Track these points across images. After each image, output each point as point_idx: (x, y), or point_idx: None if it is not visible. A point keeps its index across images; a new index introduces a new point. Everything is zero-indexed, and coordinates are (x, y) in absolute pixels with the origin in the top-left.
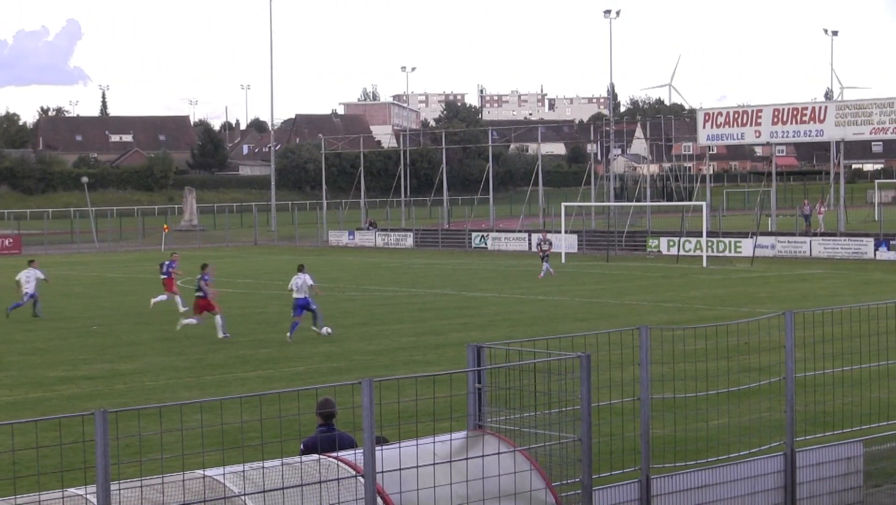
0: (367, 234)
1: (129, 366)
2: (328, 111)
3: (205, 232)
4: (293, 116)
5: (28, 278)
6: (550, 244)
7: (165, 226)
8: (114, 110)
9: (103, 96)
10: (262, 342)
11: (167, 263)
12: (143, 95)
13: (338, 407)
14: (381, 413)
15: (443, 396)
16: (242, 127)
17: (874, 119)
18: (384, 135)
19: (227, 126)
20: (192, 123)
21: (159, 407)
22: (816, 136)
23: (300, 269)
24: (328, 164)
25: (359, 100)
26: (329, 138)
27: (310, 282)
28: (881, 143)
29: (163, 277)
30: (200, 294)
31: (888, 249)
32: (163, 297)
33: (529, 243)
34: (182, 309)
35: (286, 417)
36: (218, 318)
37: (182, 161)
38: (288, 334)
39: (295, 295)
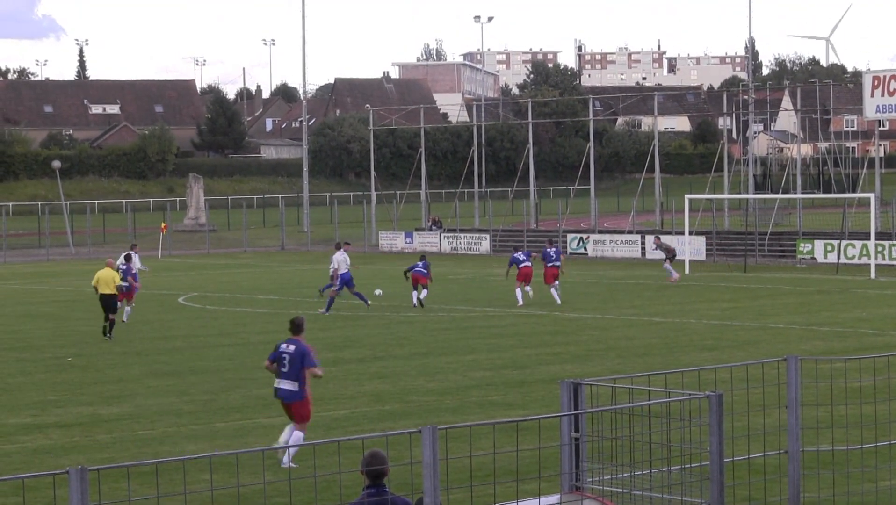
0: (430, 237)
1: (116, 409)
2: (378, 74)
3: (215, 233)
4: (332, 81)
5: None
6: (669, 250)
7: (163, 225)
8: (95, 73)
9: (81, 54)
10: None
11: (121, 265)
12: (134, 53)
13: (390, 463)
14: (448, 470)
15: (529, 449)
16: (265, 95)
17: None
18: (452, 105)
19: (244, 94)
20: (198, 90)
21: (155, 463)
22: None
23: (339, 246)
24: (378, 144)
25: (418, 60)
26: (379, 110)
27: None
28: None
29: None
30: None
31: None
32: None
33: (643, 248)
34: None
35: (323, 477)
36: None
37: (185, 140)
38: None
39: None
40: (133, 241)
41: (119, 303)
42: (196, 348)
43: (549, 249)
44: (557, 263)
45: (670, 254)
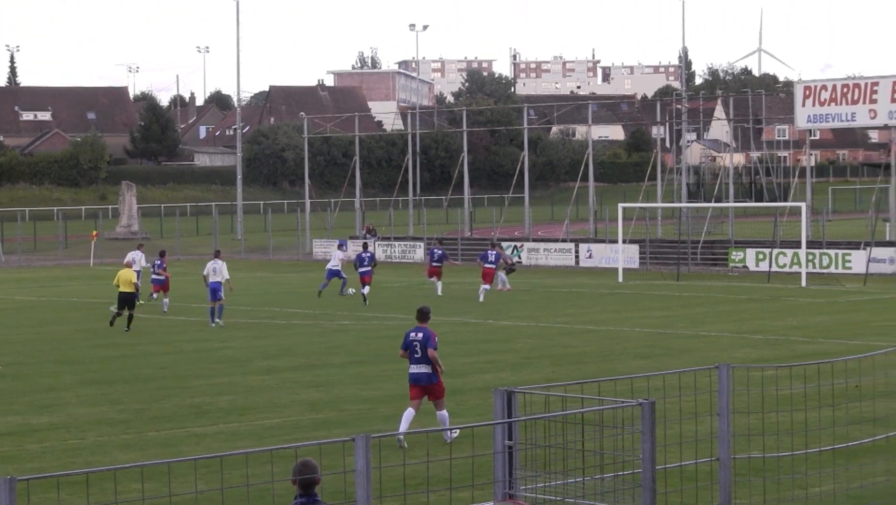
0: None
1: (46, 419)
2: (313, 82)
3: (148, 241)
4: (266, 89)
5: None
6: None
7: (94, 232)
8: (26, 79)
9: (12, 61)
10: (223, 387)
11: (156, 262)
12: (67, 60)
13: (323, 472)
14: (381, 479)
15: (462, 458)
16: (199, 102)
17: None
18: (387, 114)
19: (178, 101)
20: (132, 97)
21: (86, 473)
22: None
23: (217, 254)
24: (312, 152)
25: (354, 68)
26: (314, 118)
27: (225, 274)
28: None
29: (157, 278)
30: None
31: None
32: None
33: (577, 257)
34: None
35: (256, 486)
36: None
37: (118, 147)
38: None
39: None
40: (140, 242)
41: (155, 294)
42: (128, 357)
43: (488, 252)
44: (493, 266)
45: (508, 266)
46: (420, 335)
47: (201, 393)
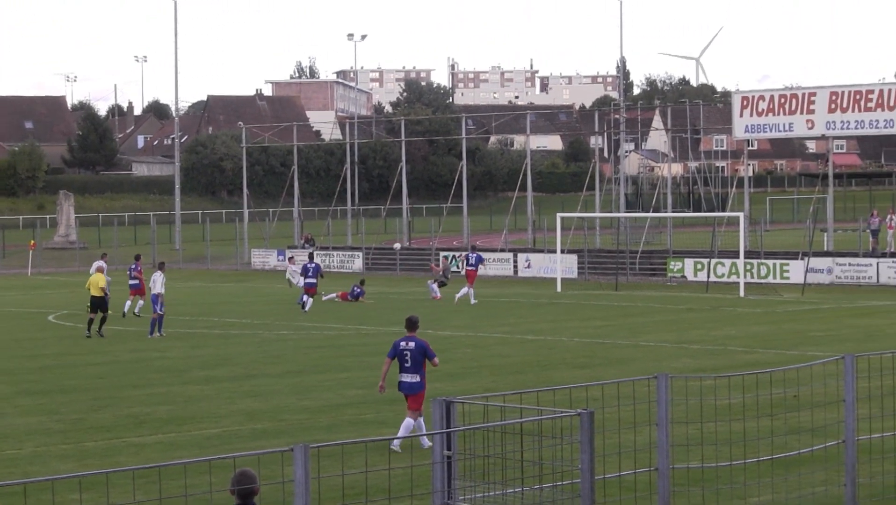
0: (303, 255)
1: None
2: (251, 92)
3: (86, 250)
4: (204, 98)
5: None
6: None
7: (31, 242)
8: None
9: None
10: (162, 397)
11: (132, 266)
12: (3, 69)
13: (263, 482)
14: (320, 489)
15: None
16: (137, 112)
17: None
18: (325, 123)
19: (116, 110)
20: (69, 107)
21: (24, 484)
22: (885, 126)
23: (160, 266)
24: (251, 161)
25: (291, 77)
26: (252, 127)
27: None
28: None
29: (133, 282)
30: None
31: None
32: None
33: (516, 266)
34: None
35: (194, 496)
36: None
37: (56, 156)
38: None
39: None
40: (104, 252)
41: (129, 301)
42: (66, 367)
43: (469, 255)
44: (474, 268)
45: (441, 278)
46: (412, 344)
47: (139, 403)
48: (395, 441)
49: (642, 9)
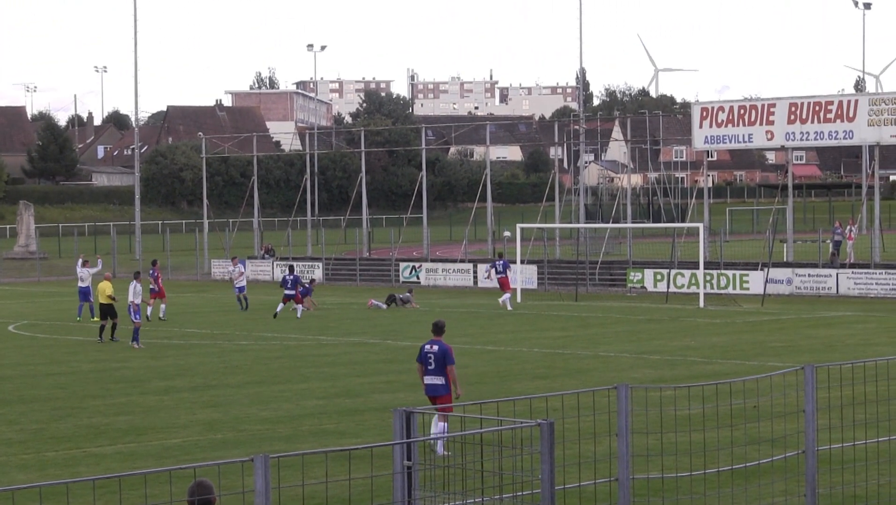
0: (263, 265)
1: None
2: (211, 102)
3: (46, 261)
4: (164, 109)
5: None
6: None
7: None
8: None
9: None
10: (121, 407)
11: (150, 271)
12: None
13: (221, 492)
14: (280, 499)
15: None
16: (97, 122)
17: None
18: (285, 134)
19: (76, 121)
20: (29, 117)
21: None
22: (844, 138)
23: (136, 276)
24: (211, 171)
25: (251, 88)
26: (212, 138)
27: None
28: None
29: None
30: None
31: None
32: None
33: (475, 277)
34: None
35: None
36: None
37: (16, 167)
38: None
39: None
40: (85, 259)
41: (150, 305)
42: (26, 377)
43: (497, 262)
44: (504, 274)
45: (394, 300)
46: (436, 348)
47: (99, 413)
48: (439, 445)
49: (603, 20)
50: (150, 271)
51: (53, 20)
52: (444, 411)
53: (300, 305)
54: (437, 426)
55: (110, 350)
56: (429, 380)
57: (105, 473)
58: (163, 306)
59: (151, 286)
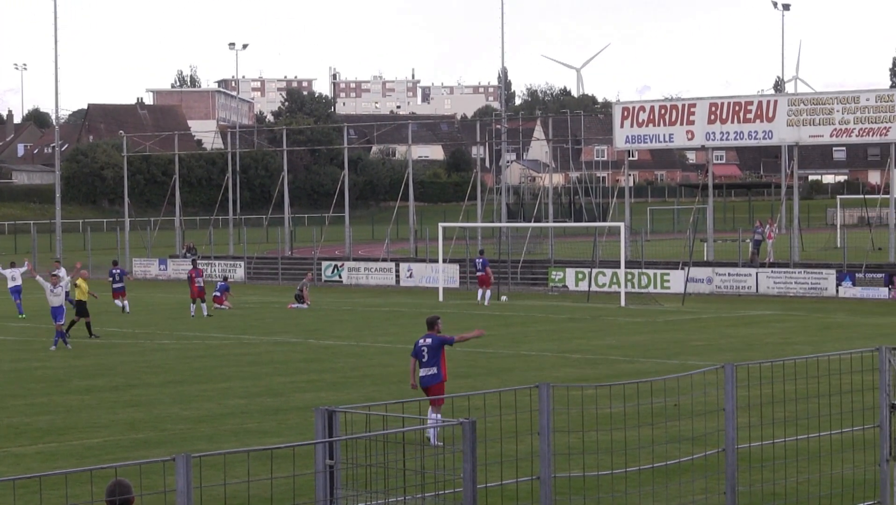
0: (184, 264)
1: None
2: (132, 100)
3: None
4: (85, 107)
5: None
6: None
7: None
8: None
9: None
10: (42, 407)
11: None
12: None
13: (142, 492)
14: (202, 499)
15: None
16: (17, 120)
17: (836, 118)
18: (206, 132)
19: None
20: None
21: None
22: (764, 138)
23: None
24: (132, 170)
25: (173, 86)
26: (133, 136)
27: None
28: (844, 148)
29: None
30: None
31: (853, 284)
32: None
33: (398, 276)
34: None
35: None
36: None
37: None
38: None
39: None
40: (12, 261)
41: (118, 301)
42: None
43: (476, 260)
44: (483, 272)
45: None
46: (429, 341)
47: (19, 413)
48: (432, 437)
49: (524, 19)
50: (112, 270)
51: None
52: (436, 404)
53: (219, 305)
54: (431, 417)
55: (31, 349)
56: (423, 371)
57: (25, 473)
58: (125, 302)
59: (117, 284)
